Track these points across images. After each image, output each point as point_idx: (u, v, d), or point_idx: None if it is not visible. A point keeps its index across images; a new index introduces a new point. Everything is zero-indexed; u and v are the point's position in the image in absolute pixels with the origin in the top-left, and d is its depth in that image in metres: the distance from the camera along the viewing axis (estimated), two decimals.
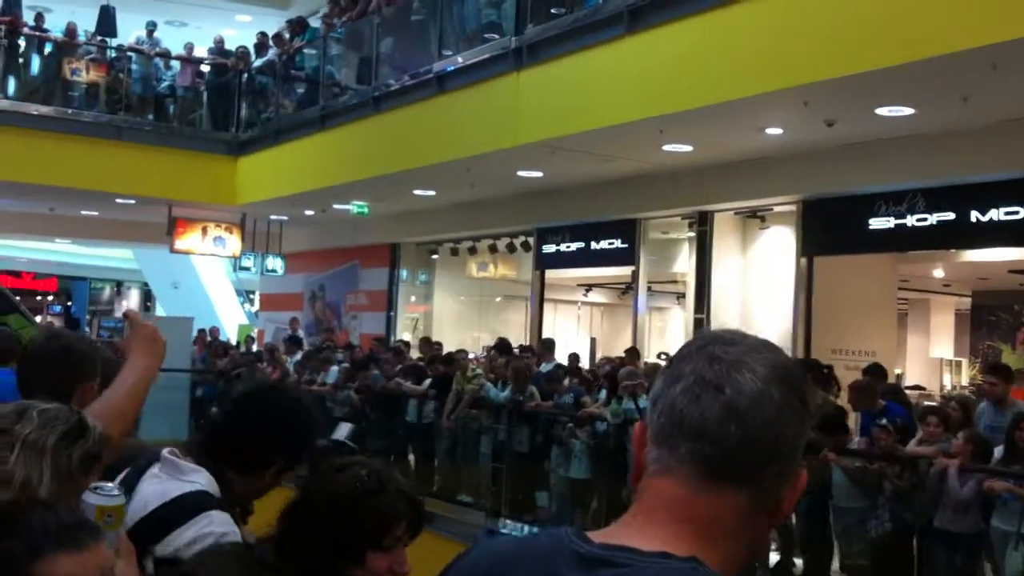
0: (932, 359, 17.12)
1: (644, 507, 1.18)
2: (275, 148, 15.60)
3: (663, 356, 11.94)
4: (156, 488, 2.28)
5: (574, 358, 12.48)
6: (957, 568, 6.88)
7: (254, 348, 17.71)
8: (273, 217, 18.12)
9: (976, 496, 6.70)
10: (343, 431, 2.63)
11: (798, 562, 8.19)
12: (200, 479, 2.31)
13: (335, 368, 13.27)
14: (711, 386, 1.15)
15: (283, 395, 2.68)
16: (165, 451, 2.35)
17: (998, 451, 6.82)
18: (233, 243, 18.62)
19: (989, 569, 6.89)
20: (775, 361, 1.19)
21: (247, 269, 19.82)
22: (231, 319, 23.52)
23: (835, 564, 7.87)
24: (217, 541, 2.16)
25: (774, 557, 8.28)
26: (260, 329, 21.58)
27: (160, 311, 26.53)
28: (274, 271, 19.62)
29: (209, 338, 17.89)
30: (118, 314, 29.69)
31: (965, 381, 15.31)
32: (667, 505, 1.16)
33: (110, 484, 1.77)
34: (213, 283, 24.10)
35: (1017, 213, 9.02)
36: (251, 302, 26.44)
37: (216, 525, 2.21)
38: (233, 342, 19.13)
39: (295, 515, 2.09)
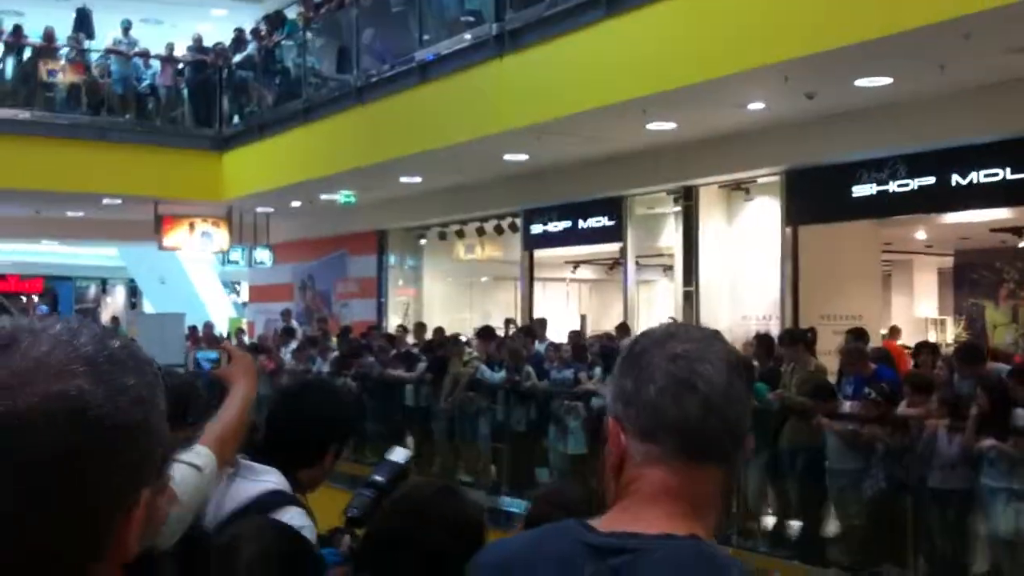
0: (917, 318, 17.39)
1: (641, 495, 1.31)
2: (259, 142, 15.64)
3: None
4: (230, 490, 2.38)
5: (575, 336, 12.53)
6: (950, 525, 7.10)
7: (245, 340, 17.80)
8: (259, 210, 18.17)
9: (964, 454, 6.91)
10: (400, 454, 2.74)
11: (794, 524, 8.42)
12: (273, 478, 2.44)
13: (330, 356, 13.41)
14: (686, 385, 1.30)
15: (322, 385, 2.83)
16: (235, 456, 2.48)
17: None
18: (220, 237, 18.67)
19: (981, 525, 7.09)
20: (727, 352, 1.36)
21: (235, 263, 19.87)
22: (219, 312, 23.57)
23: (831, 525, 8.11)
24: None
25: (771, 520, 8.52)
26: (250, 321, 21.64)
27: (148, 307, 26.51)
28: (262, 263, 19.68)
29: (202, 332, 17.95)
30: (108, 314, 29.62)
31: (950, 339, 15.55)
32: (662, 490, 1.30)
33: None
34: (200, 277, 24.12)
35: (996, 175, 9.22)
36: (237, 294, 26.45)
37: (296, 520, 2.30)
38: (224, 335, 19.19)
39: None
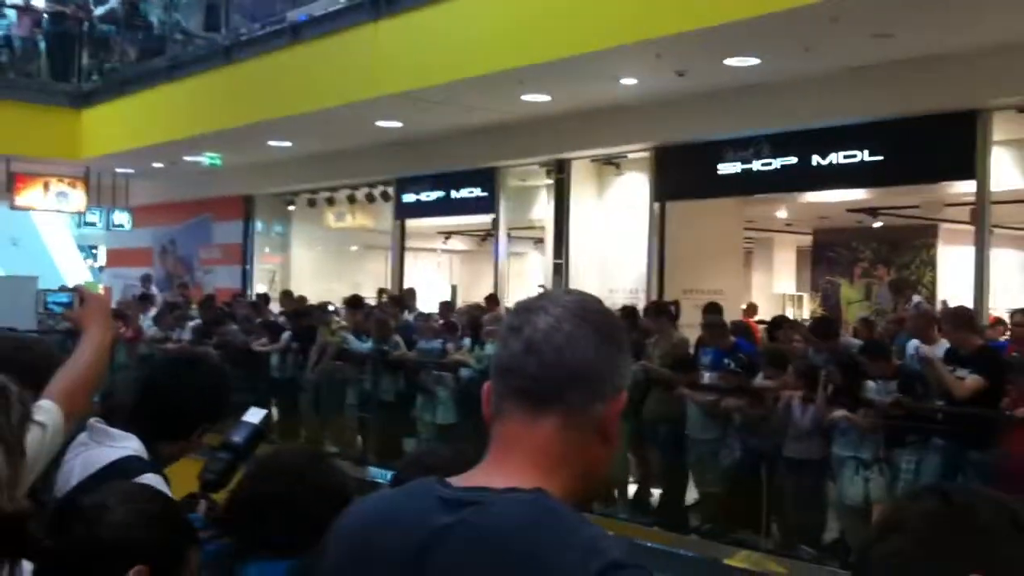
0: (775, 295, 18.00)
1: (496, 450, 1.34)
2: (121, 99, 15.05)
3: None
4: (85, 456, 2.30)
5: (445, 306, 12.50)
6: (802, 492, 7.39)
7: None
8: (119, 170, 17.48)
9: (816, 424, 7.18)
10: (255, 415, 2.66)
11: (655, 492, 8.63)
12: (131, 444, 2.36)
13: (191, 324, 13.03)
14: (513, 330, 1.34)
15: (211, 362, 2.74)
16: (91, 420, 2.38)
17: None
18: (77, 198, 17.93)
19: (832, 493, 7.39)
20: (574, 302, 1.36)
21: (92, 224, 19.12)
22: (75, 276, 22.65)
23: (691, 493, 8.34)
24: None
25: (632, 488, 8.71)
26: (107, 286, 20.91)
27: None
28: (121, 226, 18.99)
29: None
30: None
31: (806, 314, 16.15)
32: (513, 444, 1.31)
33: None
34: (54, 239, 23.12)
35: (855, 157, 9.59)
36: (94, 258, 25.49)
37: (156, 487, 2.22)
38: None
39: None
